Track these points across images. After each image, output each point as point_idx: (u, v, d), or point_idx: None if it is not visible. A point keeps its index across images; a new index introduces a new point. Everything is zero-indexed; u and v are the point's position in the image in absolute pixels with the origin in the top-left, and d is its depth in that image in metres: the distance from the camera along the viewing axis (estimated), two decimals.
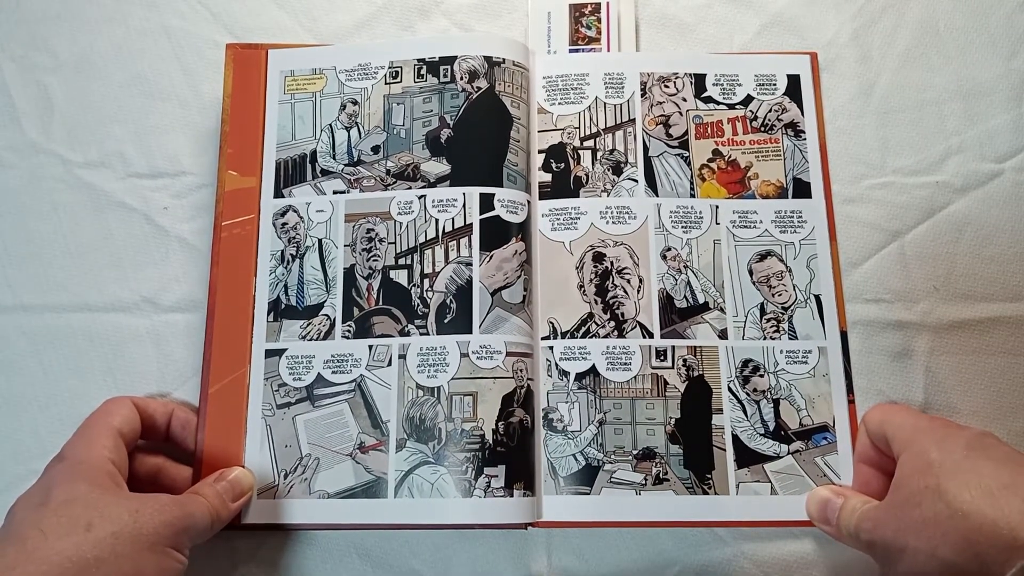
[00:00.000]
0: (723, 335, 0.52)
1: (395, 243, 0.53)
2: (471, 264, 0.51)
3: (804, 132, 0.56)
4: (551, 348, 0.52)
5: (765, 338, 0.52)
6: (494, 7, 0.60)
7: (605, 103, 0.56)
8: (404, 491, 0.48)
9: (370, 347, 0.51)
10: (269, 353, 0.51)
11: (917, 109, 0.57)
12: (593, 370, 0.51)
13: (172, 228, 0.55)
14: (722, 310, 0.53)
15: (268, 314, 0.52)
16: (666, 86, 0.56)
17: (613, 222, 0.54)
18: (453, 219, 0.52)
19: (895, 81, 0.58)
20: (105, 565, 0.38)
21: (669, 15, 0.60)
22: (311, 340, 0.51)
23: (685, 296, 0.53)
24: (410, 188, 0.53)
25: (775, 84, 0.57)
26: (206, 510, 0.43)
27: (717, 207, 0.54)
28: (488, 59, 0.54)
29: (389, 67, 0.55)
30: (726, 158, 0.55)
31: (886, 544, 0.41)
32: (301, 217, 0.53)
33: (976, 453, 0.40)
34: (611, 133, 0.56)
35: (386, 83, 0.55)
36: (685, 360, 0.52)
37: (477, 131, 0.54)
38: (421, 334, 0.51)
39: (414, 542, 0.50)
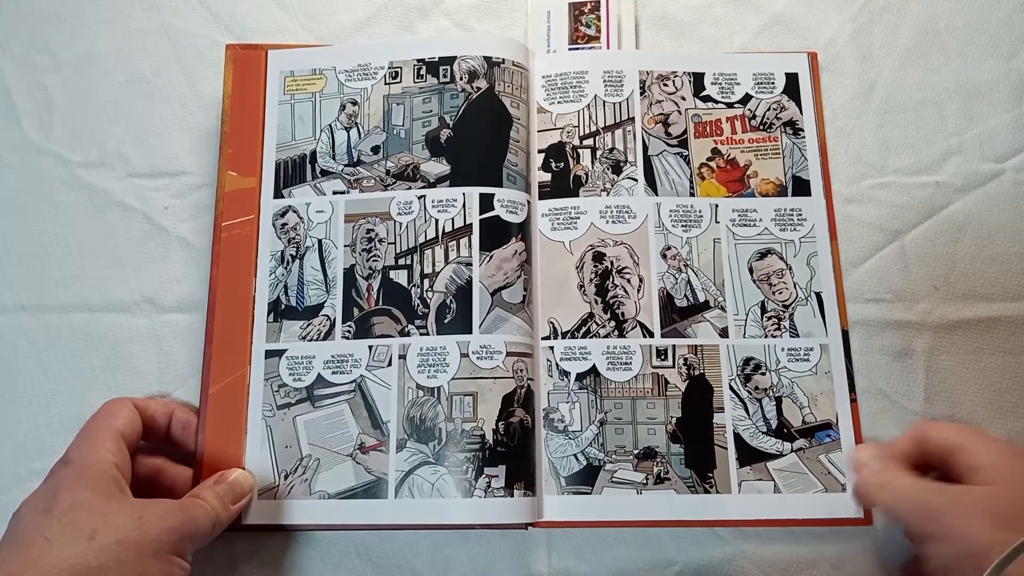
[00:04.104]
0: (724, 333, 0.52)
1: (395, 243, 0.52)
2: (471, 264, 0.51)
3: (803, 130, 0.56)
4: (551, 348, 0.52)
5: (766, 336, 0.52)
6: (494, 7, 0.60)
7: (604, 101, 0.56)
8: (404, 491, 0.48)
9: (370, 347, 0.51)
10: (269, 354, 0.51)
11: (917, 109, 0.57)
12: (594, 370, 0.51)
13: (172, 228, 0.55)
14: (723, 308, 0.52)
15: (268, 314, 0.52)
16: (665, 85, 0.56)
17: (613, 221, 0.54)
18: (453, 219, 0.52)
19: (895, 81, 0.58)
20: (109, 573, 0.38)
21: (669, 15, 0.60)
22: (311, 340, 0.51)
23: (685, 295, 0.53)
24: (410, 188, 0.53)
25: (773, 83, 0.57)
26: (207, 514, 0.43)
27: (717, 206, 0.54)
28: (488, 59, 0.54)
29: (389, 67, 0.55)
30: (725, 157, 0.55)
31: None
32: (301, 217, 0.53)
33: None
34: (610, 132, 0.56)
35: (386, 83, 0.55)
36: (686, 359, 0.51)
37: (477, 131, 0.53)
38: (421, 334, 0.51)
39: (414, 542, 0.50)
